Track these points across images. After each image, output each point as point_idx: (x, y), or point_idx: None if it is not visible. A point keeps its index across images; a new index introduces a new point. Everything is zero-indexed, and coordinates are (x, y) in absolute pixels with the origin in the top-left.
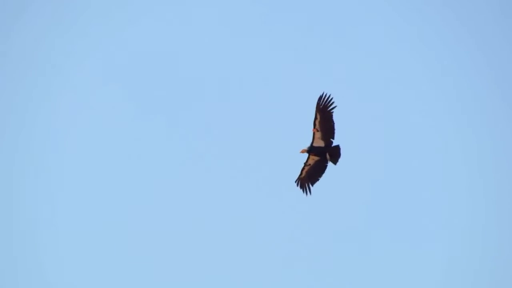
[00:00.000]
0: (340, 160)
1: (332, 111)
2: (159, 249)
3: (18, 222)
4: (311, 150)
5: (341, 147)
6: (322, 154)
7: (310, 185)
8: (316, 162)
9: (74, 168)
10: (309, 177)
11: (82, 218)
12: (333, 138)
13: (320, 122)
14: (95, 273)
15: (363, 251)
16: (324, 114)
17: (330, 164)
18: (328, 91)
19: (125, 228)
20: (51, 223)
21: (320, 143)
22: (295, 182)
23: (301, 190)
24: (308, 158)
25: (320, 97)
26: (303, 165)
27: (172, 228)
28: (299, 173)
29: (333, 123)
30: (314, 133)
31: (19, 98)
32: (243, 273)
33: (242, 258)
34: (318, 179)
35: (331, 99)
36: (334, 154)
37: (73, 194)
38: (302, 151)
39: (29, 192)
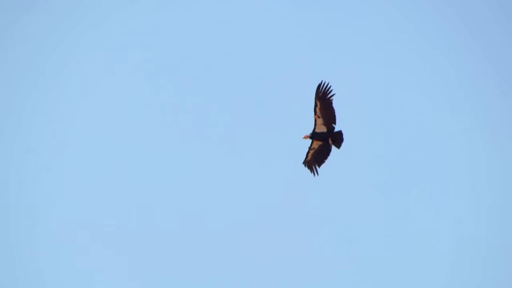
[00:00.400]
0: (343, 144)
1: (331, 98)
2: (165, 243)
3: (17, 222)
4: (314, 136)
5: (343, 132)
6: (325, 139)
7: (317, 167)
8: (320, 146)
9: (74, 167)
10: (315, 160)
11: (80, 217)
12: (334, 124)
13: (320, 109)
14: (94, 272)
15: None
16: (323, 101)
17: (334, 148)
18: (327, 80)
19: (131, 227)
20: (49, 222)
21: (322, 128)
22: (303, 163)
23: (309, 171)
24: (312, 143)
25: (319, 85)
26: (307, 149)
27: (175, 224)
28: (305, 156)
29: (333, 110)
30: (315, 120)
31: (17, 98)
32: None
33: (252, 246)
34: (324, 161)
35: (330, 87)
36: (337, 139)
37: (72, 193)
38: (305, 137)
39: (27, 190)
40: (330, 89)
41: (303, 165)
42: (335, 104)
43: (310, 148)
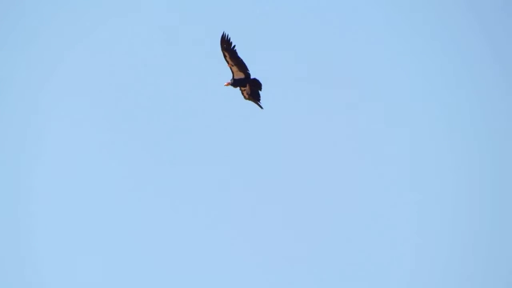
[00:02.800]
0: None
1: (234, 48)
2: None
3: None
4: (234, 82)
5: (259, 79)
6: (244, 85)
7: (258, 101)
8: (250, 88)
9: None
10: (252, 96)
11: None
12: (248, 71)
13: (230, 59)
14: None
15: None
16: (230, 52)
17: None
18: (226, 32)
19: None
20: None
21: (240, 75)
22: (244, 99)
23: (256, 104)
24: (240, 89)
25: (222, 37)
26: (240, 92)
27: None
28: (242, 96)
29: (240, 59)
30: (231, 68)
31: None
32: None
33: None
34: (259, 97)
35: (229, 38)
36: (254, 84)
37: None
38: (227, 84)
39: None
40: (230, 40)
41: (244, 99)
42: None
43: (241, 91)
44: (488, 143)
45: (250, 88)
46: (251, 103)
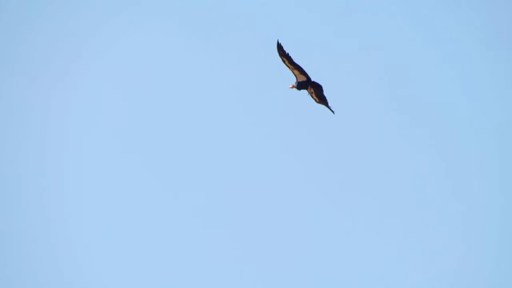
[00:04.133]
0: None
1: (289, 54)
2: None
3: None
4: (298, 84)
5: (318, 81)
6: (307, 87)
7: (329, 105)
8: (314, 91)
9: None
10: (320, 100)
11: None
12: (307, 74)
13: (290, 63)
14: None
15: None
16: (287, 57)
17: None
18: (280, 40)
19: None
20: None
21: (302, 78)
22: (316, 104)
23: (328, 109)
24: (308, 93)
25: (278, 45)
26: (308, 95)
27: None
28: (313, 100)
29: (296, 64)
30: (293, 72)
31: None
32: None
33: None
34: (327, 101)
35: (282, 46)
36: (315, 85)
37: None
38: (291, 86)
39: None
40: (283, 48)
41: (316, 104)
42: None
43: (309, 94)
44: None
45: (315, 91)
46: (323, 107)
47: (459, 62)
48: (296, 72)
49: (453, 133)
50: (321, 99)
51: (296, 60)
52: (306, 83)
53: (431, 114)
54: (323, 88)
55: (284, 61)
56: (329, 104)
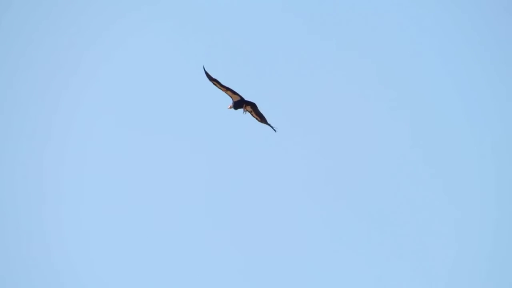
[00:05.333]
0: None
1: (216, 79)
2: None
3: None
4: (234, 104)
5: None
6: (242, 105)
7: (270, 124)
8: (253, 109)
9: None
10: (261, 118)
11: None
12: (238, 94)
13: (221, 86)
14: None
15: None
16: (216, 81)
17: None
18: (207, 67)
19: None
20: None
21: (236, 98)
22: (258, 122)
23: (270, 127)
24: (244, 109)
25: (205, 73)
26: (248, 114)
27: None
28: (253, 119)
29: (227, 86)
30: (227, 93)
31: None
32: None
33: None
34: (266, 119)
35: (206, 71)
36: (249, 103)
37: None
38: (230, 107)
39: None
40: (208, 73)
41: (260, 124)
42: None
43: (249, 113)
44: None
45: (253, 109)
46: (265, 126)
47: (454, 63)
48: (229, 93)
49: (447, 135)
50: (261, 117)
51: (226, 82)
52: (241, 102)
53: (427, 117)
54: (257, 105)
55: (215, 85)
56: (270, 122)
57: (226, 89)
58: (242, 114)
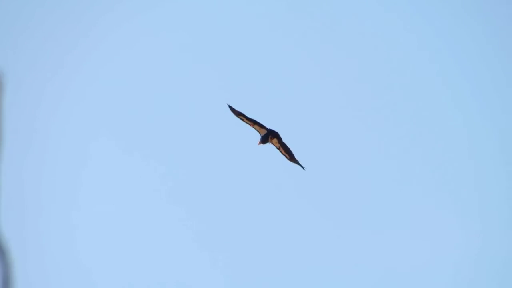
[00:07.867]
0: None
1: (242, 113)
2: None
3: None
4: (262, 139)
5: (273, 128)
6: (268, 138)
7: (298, 161)
8: (280, 145)
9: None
10: (290, 156)
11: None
12: (265, 127)
13: (247, 120)
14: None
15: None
16: (243, 116)
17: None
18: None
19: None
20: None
21: (263, 132)
22: (289, 161)
23: (299, 165)
24: (273, 143)
25: (230, 108)
26: (277, 150)
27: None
28: (283, 156)
29: (251, 118)
30: (255, 128)
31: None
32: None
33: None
34: (294, 157)
35: (232, 108)
36: (274, 134)
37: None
38: (259, 143)
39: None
40: (234, 109)
41: (289, 162)
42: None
43: (277, 149)
44: None
45: (281, 144)
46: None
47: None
48: (257, 127)
49: (443, 138)
50: (289, 154)
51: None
52: (267, 135)
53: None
54: (279, 134)
55: (242, 120)
56: (300, 160)
57: (254, 123)
58: (272, 149)
